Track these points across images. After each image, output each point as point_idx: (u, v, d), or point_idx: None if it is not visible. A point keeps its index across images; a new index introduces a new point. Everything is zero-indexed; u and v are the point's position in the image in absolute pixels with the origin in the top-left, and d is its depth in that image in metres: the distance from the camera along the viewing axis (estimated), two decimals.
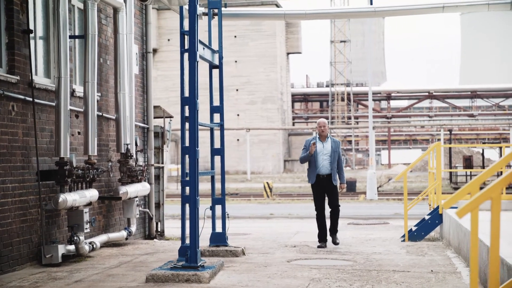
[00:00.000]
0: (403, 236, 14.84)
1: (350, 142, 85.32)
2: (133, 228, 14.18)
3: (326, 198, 13.62)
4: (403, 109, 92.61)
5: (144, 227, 15.81)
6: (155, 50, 70.20)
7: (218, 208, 12.60)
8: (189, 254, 9.81)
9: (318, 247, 13.37)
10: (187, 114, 10.18)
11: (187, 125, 10.23)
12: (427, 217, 15.04)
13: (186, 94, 10.20)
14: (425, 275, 10.09)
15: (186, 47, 10.28)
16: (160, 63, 71.10)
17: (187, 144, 10.14)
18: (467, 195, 4.78)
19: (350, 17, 16.17)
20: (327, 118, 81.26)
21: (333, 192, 13.45)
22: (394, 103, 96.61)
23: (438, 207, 14.87)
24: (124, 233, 13.82)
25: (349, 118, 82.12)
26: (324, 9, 14.28)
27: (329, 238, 13.68)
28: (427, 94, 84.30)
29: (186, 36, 10.38)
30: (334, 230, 13.57)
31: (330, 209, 13.53)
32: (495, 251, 4.06)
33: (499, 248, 4.11)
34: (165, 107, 38.93)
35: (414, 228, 14.98)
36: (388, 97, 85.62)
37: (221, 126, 12.47)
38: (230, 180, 54.61)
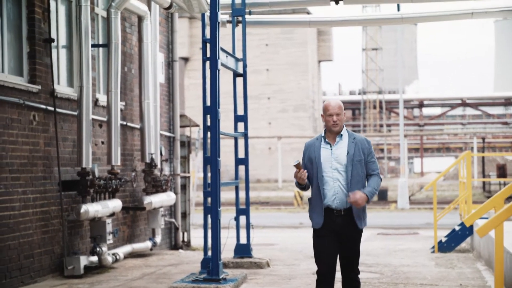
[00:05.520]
0: (433, 247, 14.52)
1: (382, 150, 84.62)
2: (158, 238, 14.02)
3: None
4: (436, 117, 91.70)
5: (170, 237, 15.64)
6: (187, 59, 70.21)
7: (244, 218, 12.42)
8: (210, 267, 9.63)
9: None
10: (209, 123, 10.01)
11: (209, 134, 10.04)
12: (457, 228, 14.68)
13: (209, 103, 10.03)
14: None
15: (208, 55, 10.12)
16: (192, 71, 70.98)
17: (209, 154, 9.97)
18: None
19: (378, 24, 15.91)
20: (358, 126, 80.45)
21: (353, 243, 6.81)
22: (426, 111, 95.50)
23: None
24: (148, 244, 13.67)
25: (381, 126, 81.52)
26: (351, 16, 14.04)
27: None
28: (460, 101, 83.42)
29: (208, 44, 10.20)
30: None
31: (344, 280, 6.87)
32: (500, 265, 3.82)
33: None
34: (198, 115, 38.77)
35: (444, 239, 14.64)
36: (421, 104, 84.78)
37: (245, 135, 12.27)
38: (262, 188, 54.30)
